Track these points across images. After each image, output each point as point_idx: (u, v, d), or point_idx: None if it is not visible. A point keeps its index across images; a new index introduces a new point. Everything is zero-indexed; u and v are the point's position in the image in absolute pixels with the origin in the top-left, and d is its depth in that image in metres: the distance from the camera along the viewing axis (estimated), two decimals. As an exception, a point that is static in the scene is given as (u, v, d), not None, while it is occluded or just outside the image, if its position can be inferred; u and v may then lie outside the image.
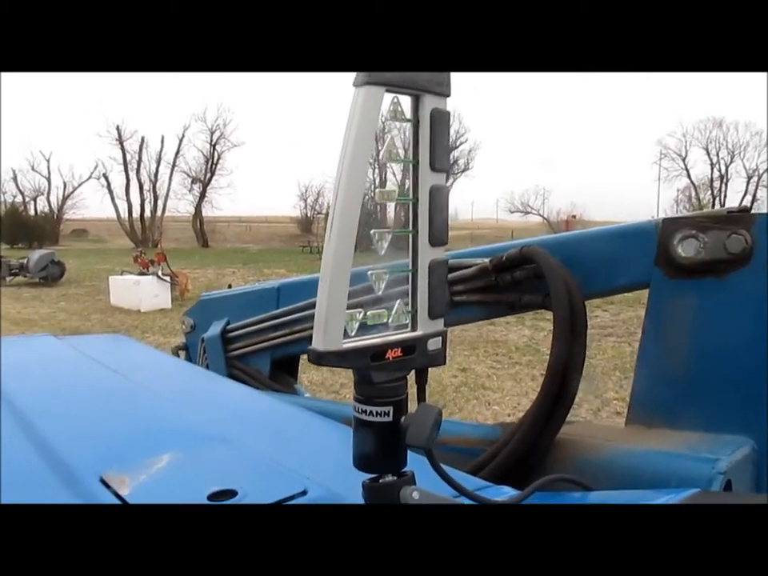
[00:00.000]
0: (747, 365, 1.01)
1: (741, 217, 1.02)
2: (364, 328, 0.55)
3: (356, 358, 0.53)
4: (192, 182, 42.82)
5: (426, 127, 0.56)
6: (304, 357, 2.23)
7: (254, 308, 2.08)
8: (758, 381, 0.98)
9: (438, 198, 0.58)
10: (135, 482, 0.77)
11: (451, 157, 39.11)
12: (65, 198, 43.06)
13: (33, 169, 42.73)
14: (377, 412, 0.56)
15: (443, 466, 0.63)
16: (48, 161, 43.91)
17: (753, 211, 1.06)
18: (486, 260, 1.29)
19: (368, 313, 0.54)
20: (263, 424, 1.11)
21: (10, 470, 0.81)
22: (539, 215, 47.37)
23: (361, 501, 0.59)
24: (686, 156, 41.76)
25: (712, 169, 41.05)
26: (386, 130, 0.61)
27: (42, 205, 42.67)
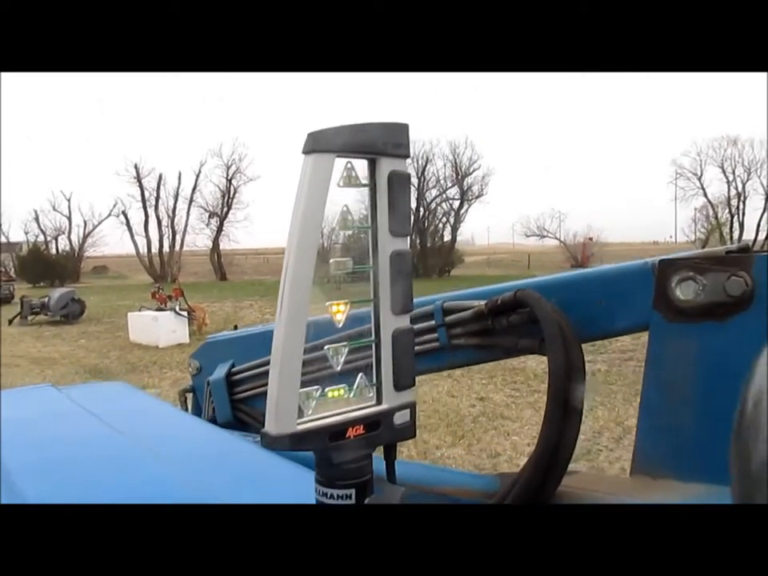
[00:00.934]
0: None
1: (740, 258, 0.98)
2: (323, 404, 0.52)
3: (313, 440, 0.50)
4: (209, 217, 43.32)
5: (384, 191, 0.54)
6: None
7: (259, 350, 2.06)
8: None
9: (400, 263, 0.55)
10: None
11: (465, 183, 38.94)
12: (85, 236, 43.74)
13: (54, 209, 43.58)
14: (338, 495, 0.53)
15: None
16: (69, 200, 44.78)
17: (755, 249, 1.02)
18: (483, 303, 1.25)
19: (326, 390, 0.51)
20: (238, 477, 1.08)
21: None
22: (555, 238, 47.14)
23: None
24: (701, 175, 41.41)
25: (729, 187, 40.66)
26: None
27: (63, 243, 43.43)
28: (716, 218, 40.61)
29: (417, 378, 0.59)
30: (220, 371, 2.18)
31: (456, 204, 39.67)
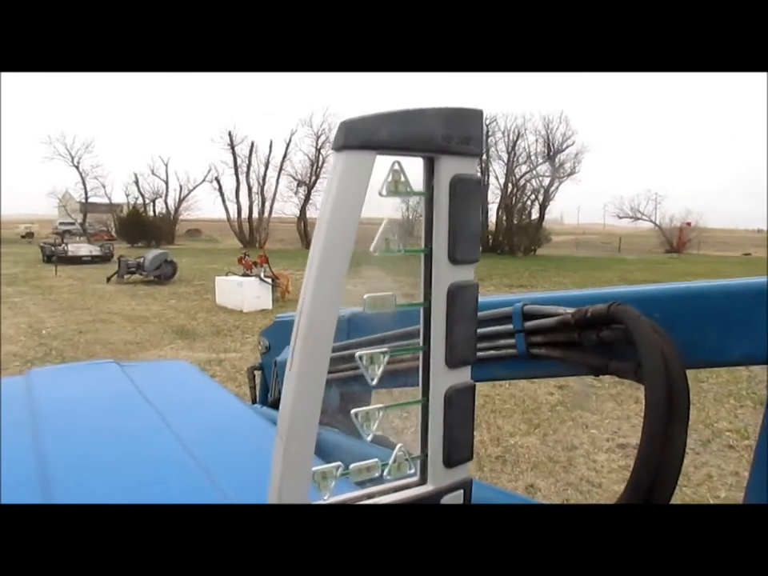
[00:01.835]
0: None
1: None
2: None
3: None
4: (298, 185, 44.02)
5: (444, 202, 0.39)
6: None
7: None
8: None
9: (463, 301, 0.40)
10: None
11: (557, 160, 38.11)
12: (181, 200, 45.50)
13: (152, 173, 45.53)
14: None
15: None
16: (166, 165, 46.78)
17: None
18: (569, 311, 1.08)
19: (351, 467, 0.38)
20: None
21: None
22: (650, 221, 44.86)
23: None
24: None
25: None
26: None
27: (160, 206, 45.35)
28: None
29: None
30: (287, 353, 2.11)
31: (546, 181, 38.41)
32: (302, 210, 43.41)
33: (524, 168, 38.62)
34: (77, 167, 45.22)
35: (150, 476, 1.03)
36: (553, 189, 38.24)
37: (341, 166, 0.35)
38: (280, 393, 2.07)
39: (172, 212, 45.00)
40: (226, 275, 14.10)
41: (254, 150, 43.35)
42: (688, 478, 4.55)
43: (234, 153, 43.06)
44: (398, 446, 0.41)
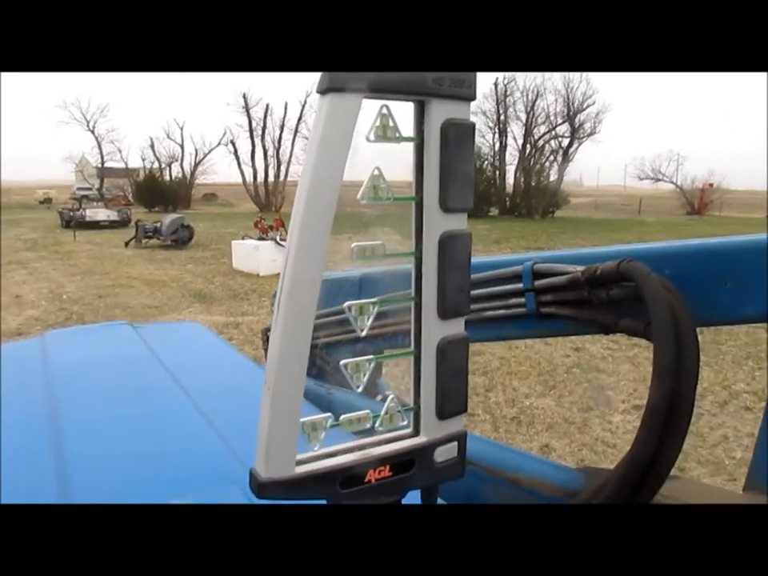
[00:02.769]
0: None
1: None
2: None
3: (317, 487, 0.37)
4: (313, 148, 43.60)
5: (435, 148, 0.38)
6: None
7: (337, 296, 1.97)
8: None
9: (453, 250, 0.39)
10: None
11: (577, 120, 37.35)
12: (196, 164, 45.38)
13: (168, 137, 45.38)
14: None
15: None
16: (182, 129, 46.58)
17: None
18: (579, 269, 1.07)
19: (341, 418, 0.38)
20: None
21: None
22: (671, 182, 43.98)
23: None
24: None
25: None
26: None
27: (176, 171, 45.31)
28: None
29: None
30: (312, 321, 2.12)
31: (565, 142, 37.70)
32: (318, 174, 43.05)
33: (543, 129, 37.94)
34: (92, 131, 45.25)
35: (162, 436, 1.05)
36: (572, 149, 37.57)
37: (325, 109, 0.34)
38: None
39: (188, 176, 44.94)
40: (243, 239, 14.13)
41: (269, 112, 42.97)
42: (704, 439, 4.55)
43: (248, 115, 42.73)
44: (390, 397, 0.40)
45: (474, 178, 0.40)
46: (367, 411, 0.39)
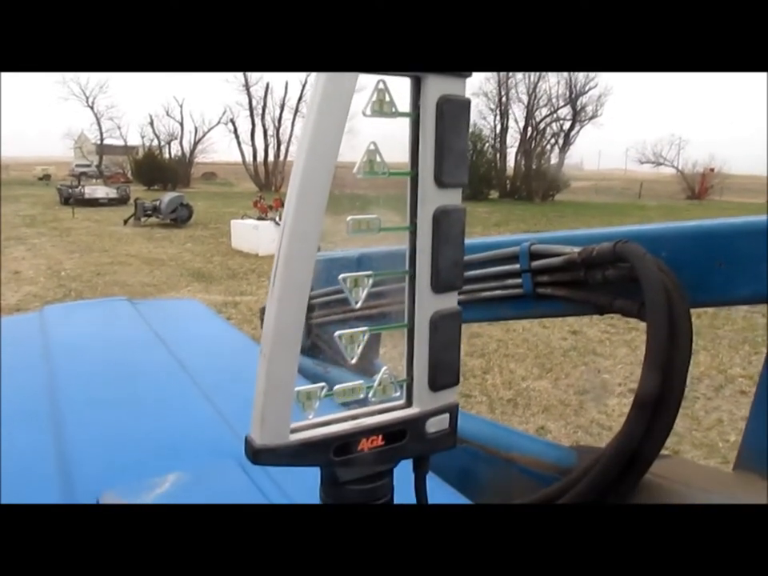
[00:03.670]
0: None
1: None
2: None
3: (312, 454, 0.38)
4: (313, 127, 43.30)
5: (431, 123, 0.39)
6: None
7: (334, 276, 1.98)
8: None
9: (449, 225, 0.40)
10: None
11: (579, 102, 37.01)
12: (196, 143, 45.07)
13: (167, 114, 45.05)
14: (345, 519, 0.41)
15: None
16: (181, 106, 46.22)
17: None
18: (576, 250, 1.08)
19: (335, 387, 0.39)
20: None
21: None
22: (672, 167, 43.81)
23: None
24: None
25: None
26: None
27: (175, 149, 45.03)
28: None
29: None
30: (307, 292, 2.13)
31: (567, 125, 37.48)
32: (318, 153, 42.81)
33: (544, 111, 37.69)
34: (91, 108, 44.90)
35: (159, 410, 1.06)
36: (574, 133, 37.36)
37: (321, 85, 0.34)
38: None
39: (187, 155, 44.68)
40: (242, 219, 14.09)
41: (269, 91, 42.63)
42: (699, 422, 4.59)
43: (249, 94, 42.36)
44: (383, 368, 0.41)
45: (468, 154, 0.41)
46: (360, 382, 0.40)
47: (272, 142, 43.44)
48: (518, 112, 37.93)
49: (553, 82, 37.40)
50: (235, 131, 43.23)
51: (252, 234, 12.90)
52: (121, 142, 46.32)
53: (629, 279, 0.96)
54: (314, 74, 0.35)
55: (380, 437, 0.40)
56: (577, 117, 37.00)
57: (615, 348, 6.46)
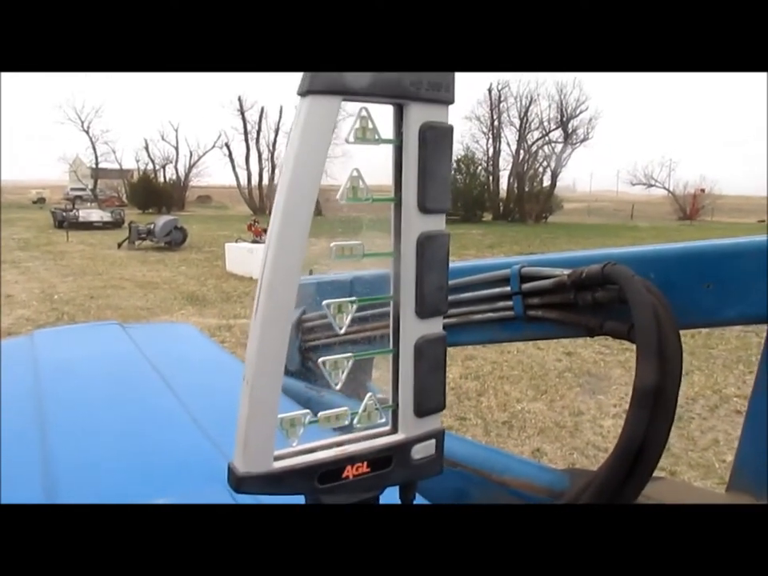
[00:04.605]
0: None
1: None
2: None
3: (295, 482, 0.38)
4: (308, 151, 43.62)
5: (413, 150, 0.39)
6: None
7: (331, 298, 1.97)
8: None
9: (431, 250, 0.40)
10: None
11: (570, 125, 37.43)
12: (191, 166, 45.32)
13: (162, 138, 45.31)
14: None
15: None
16: (176, 131, 46.67)
17: None
18: (565, 273, 1.08)
19: (319, 414, 0.39)
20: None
21: None
22: (663, 188, 44.18)
23: None
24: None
25: None
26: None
27: (170, 172, 45.19)
28: None
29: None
30: (292, 317, 2.12)
31: (558, 147, 37.85)
32: (312, 177, 43.05)
33: (536, 134, 38.09)
34: (87, 132, 45.09)
35: (148, 435, 1.05)
36: (565, 155, 37.72)
37: (305, 111, 0.35)
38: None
39: (182, 178, 44.86)
40: (236, 242, 14.11)
41: (263, 115, 42.97)
42: (694, 443, 4.57)
43: (243, 118, 42.72)
44: (369, 395, 0.41)
45: (451, 180, 0.41)
46: (345, 408, 0.40)
47: (267, 165, 43.71)
48: (510, 135, 38.35)
49: (544, 105, 37.91)
50: (230, 155, 43.51)
51: (246, 257, 12.91)
52: (116, 166, 46.46)
53: (618, 301, 0.97)
54: (297, 98, 0.35)
55: (365, 464, 0.40)
56: (568, 139, 37.39)
57: (610, 369, 6.46)
